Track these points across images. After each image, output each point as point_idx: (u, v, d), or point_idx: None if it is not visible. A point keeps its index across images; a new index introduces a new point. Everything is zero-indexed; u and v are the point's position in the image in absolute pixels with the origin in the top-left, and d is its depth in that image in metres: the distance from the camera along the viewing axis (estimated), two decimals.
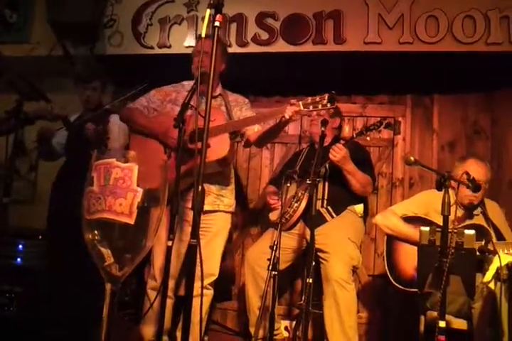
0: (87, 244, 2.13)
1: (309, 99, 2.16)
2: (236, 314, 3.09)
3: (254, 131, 2.40)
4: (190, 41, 3.18)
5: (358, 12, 3.03)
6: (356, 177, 2.55)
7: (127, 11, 3.25)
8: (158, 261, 2.27)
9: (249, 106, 2.52)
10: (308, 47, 3.11)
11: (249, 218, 3.33)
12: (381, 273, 2.93)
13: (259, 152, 3.41)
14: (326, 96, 2.13)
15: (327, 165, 2.58)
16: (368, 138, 2.54)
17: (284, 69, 3.30)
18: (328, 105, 2.12)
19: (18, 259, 2.67)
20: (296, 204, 2.57)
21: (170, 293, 2.22)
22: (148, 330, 2.24)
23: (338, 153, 2.44)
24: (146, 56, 3.24)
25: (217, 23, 1.56)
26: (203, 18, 3.29)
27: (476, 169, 2.34)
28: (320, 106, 2.14)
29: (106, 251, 2.29)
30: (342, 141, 2.53)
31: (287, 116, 2.14)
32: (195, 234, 1.41)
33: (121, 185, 2.16)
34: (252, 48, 3.15)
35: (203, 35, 1.54)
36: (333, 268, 2.42)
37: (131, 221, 2.19)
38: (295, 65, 3.26)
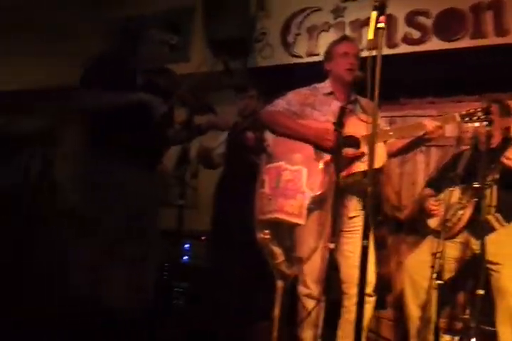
0: (260, 243, 2.26)
1: (463, 112, 2.15)
2: (392, 323, 2.98)
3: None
4: None
5: None
6: None
7: (276, 24, 3.40)
8: (307, 266, 2.25)
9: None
10: (466, 43, 2.92)
11: (404, 224, 3.21)
12: None
13: (413, 156, 3.27)
14: (481, 108, 2.12)
15: (497, 170, 2.37)
16: None
17: (437, 68, 3.14)
18: (483, 117, 2.12)
19: (185, 257, 2.94)
20: (460, 212, 2.39)
21: (321, 296, 2.22)
22: (308, 335, 2.24)
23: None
24: (294, 65, 3.35)
25: (381, 25, 1.55)
26: (350, 23, 3.34)
27: None
28: (475, 118, 2.13)
29: (277, 250, 2.41)
30: None
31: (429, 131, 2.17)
32: (366, 235, 1.40)
33: (292, 186, 2.26)
34: (403, 49, 3.06)
35: (370, 37, 1.53)
36: (510, 280, 2.19)
37: (302, 221, 2.28)
38: (449, 63, 3.09)
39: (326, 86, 2.43)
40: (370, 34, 1.52)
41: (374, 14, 1.53)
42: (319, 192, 2.06)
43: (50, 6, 4.18)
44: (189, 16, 3.74)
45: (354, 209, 2.28)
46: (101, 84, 2.31)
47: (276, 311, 2.18)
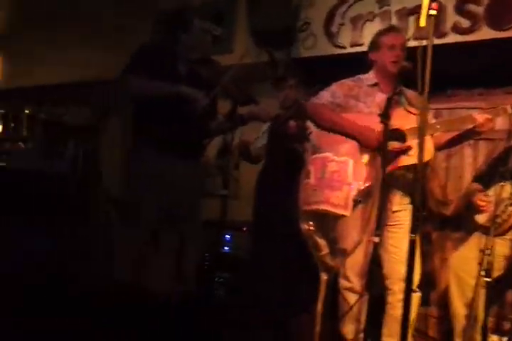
0: (304, 234, 2.24)
1: None
2: (436, 321, 2.91)
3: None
4: None
5: None
6: None
7: (320, 13, 3.34)
8: (350, 260, 2.22)
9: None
10: None
11: (449, 219, 3.12)
12: None
13: (460, 149, 3.16)
14: None
15: None
16: None
17: (487, 58, 3.02)
18: None
19: (226, 248, 2.97)
20: (511, 208, 2.31)
21: (363, 290, 2.19)
22: (350, 329, 2.22)
23: None
24: (338, 56, 3.29)
25: (433, 12, 1.50)
26: (396, 12, 3.24)
27: None
28: None
29: (322, 242, 2.39)
30: None
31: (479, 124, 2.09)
32: (415, 228, 1.36)
33: (338, 178, 2.23)
34: (452, 38, 2.95)
35: (422, 25, 1.48)
36: None
37: (348, 213, 2.26)
38: (500, 53, 2.96)
39: (370, 77, 2.39)
40: (421, 21, 1.46)
41: (426, 0, 1.48)
42: (366, 185, 2.02)
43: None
44: (232, 7, 3.74)
45: (398, 203, 2.24)
46: (144, 72, 2.34)
47: (319, 305, 2.17)
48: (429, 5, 1.51)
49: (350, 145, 2.16)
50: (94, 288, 2.53)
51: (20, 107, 5.13)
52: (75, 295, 2.55)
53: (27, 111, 5.07)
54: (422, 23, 1.48)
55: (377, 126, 2.06)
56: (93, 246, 3.19)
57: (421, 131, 1.47)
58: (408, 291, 1.48)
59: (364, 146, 2.16)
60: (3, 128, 5.31)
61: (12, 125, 5.23)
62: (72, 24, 4.64)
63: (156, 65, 2.37)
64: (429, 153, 2.15)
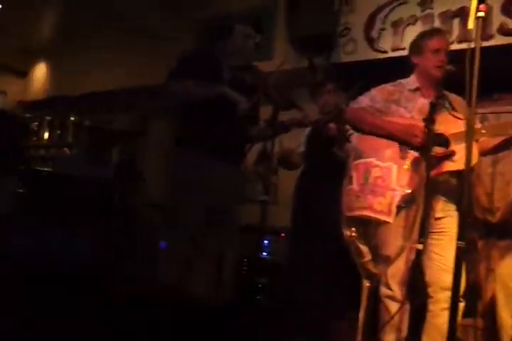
0: (346, 240, 2.22)
1: None
2: (481, 333, 2.80)
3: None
4: None
5: None
6: None
7: (360, 18, 3.32)
8: (391, 267, 2.16)
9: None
10: None
11: (496, 227, 3.00)
12: None
13: (508, 155, 3.04)
14: None
15: None
16: None
17: None
18: None
19: (264, 253, 2.98)
20: None
21: (404, 298, 2.13)
22: (391, 339, 2.15)
23: None
24: (379, 61, 3.26)
25: (481, 14, 1.47)
26: (439, 15, 3.18)
27: None
28: None
29: (364, 248, 2.35)
30: None
31: None
32: (462, 236, 1.33)
33: (381, 183, 2.20)
34: (498, 40, 2.87)
35: (470, 27, 1.45)
36: None
37: (391, 219, 2.22)
38: None
39: (411, 81, 2.33)
40: (469, 24, 1.43)
41: (474, 2, 1.44)
42: (410, 191, 1.98)
43: (141, 8, 4.43)
44: (271, 13, 3.77)
45: (441, 210, 2.18)
46: (189, 78, 2.38)
47: (362, 312, 2.13)
48: (478, 6, 1.47)
49: (393, 150, 2.12)
50: (136, 290, 2.58)
51: (66, 114, 5.33)
52: (117, 296, 2.61)
53: (73, 118, 5.25)
54: (470, 25, 1.45)
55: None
56: (137, 249, 3.26)
57: (468, 136, 1.43)
58: (454, 301, 1.43)
59: (408, 144, 2.10)
60: (50, 135, 5.52)
61: (58, 132, 5.43)
62: (117, 32, 4.80)
63: (200, 71, 2.42)
64: (473, 158, 2.09)
